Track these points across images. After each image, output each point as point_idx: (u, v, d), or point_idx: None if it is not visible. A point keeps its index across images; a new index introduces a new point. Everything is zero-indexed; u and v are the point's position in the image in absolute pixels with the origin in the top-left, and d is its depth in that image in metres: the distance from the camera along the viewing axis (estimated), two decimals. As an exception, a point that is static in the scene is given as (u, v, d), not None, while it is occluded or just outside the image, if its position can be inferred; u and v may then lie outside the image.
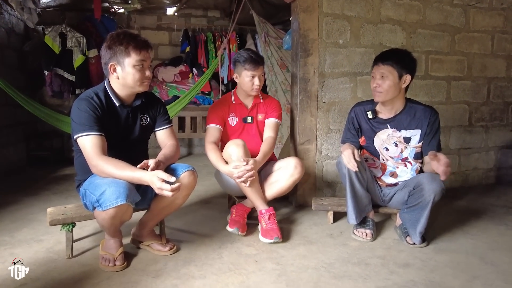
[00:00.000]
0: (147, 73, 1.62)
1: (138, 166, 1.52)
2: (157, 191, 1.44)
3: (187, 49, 4.53)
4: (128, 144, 1.71)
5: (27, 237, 1.93)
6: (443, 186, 1.68)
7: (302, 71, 2.39)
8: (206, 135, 2.16)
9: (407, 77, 1.81)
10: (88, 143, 1.52)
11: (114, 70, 1.59)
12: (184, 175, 1.62)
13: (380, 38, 2.53)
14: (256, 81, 2.10)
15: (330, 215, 2.14)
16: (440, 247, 1.78)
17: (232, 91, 2.29)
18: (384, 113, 1.91)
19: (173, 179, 1.43)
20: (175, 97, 4.25)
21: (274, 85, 4.49)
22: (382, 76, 1.80)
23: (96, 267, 1.58)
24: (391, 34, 2.55)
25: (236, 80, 2.19)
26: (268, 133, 2.20)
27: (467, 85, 2.82)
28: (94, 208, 1.47)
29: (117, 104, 1.64)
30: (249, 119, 2.24)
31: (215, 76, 4.31)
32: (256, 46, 4.86)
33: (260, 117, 2.27)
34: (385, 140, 1.91)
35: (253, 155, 2.04)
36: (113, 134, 1.62)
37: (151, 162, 1.54)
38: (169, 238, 1.84)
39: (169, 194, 1.42)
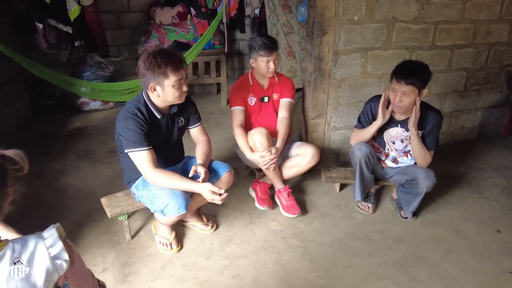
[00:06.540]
0: (184, 88, 1.75)
1: (190, 174, 1.77)
2: (209, 201, 1.74)
3: (184, -13, 4.20)
4: (169, 146, 1.93)
5: (82, 216, 2.24)
6: (435, 182, 2.05)
7: (318, 50, 2.46)
8: (232, 118, 2.35)
9: (425, 91, 1.97)
10: (140, 158, 1.73)
11: (154, 89, 1.71)
12: (225, 176, 1.92)
13: (394, 11, 2.54)
14: (271, 65, 2.26)
15: (337, 186, 2.53)
16: (426, 219, 2.23)
17: (249, 72, 2.43)
18: (396, 115, 2.11)
19: (222, 191, 1.71)
20: (176, 42, 4.15)
21: (275, 28, 4.40)
22: (405, 94, 1.94)
23: (156, 250, 1.96)
24: (405, 6, 2.55)
25: (253, 65, 2.34)
26: (282, 113, 2.40)
27: (469, 53, 2.95)
28: (155, 212, 1.77)
29: (159, 117, 1.80)
30: (266, 99, 2.43)
31: (214, 16, 4.13)
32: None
33: (275, 96, 2.45)
34: (394, 136, 2.17)
35: (271, 132, 2.29)
36: (157, 142, 1.82)
37: (201, 170, 1.78)
38: (205, 212, 2.21)
39: (219, 203, 1.72)
